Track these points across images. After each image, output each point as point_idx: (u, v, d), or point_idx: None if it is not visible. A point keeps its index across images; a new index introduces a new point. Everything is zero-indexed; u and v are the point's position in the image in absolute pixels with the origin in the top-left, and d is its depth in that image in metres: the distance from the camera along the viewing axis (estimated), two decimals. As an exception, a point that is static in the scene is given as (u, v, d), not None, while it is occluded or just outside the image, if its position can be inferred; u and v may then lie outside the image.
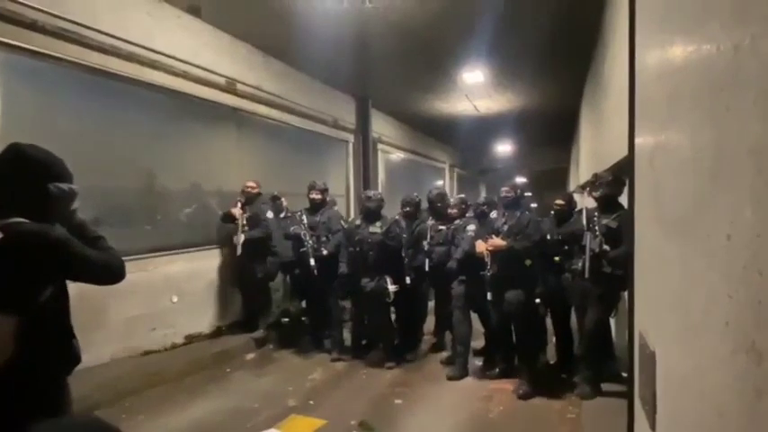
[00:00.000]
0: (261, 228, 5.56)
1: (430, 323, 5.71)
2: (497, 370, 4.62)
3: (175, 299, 5.19)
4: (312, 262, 5.07)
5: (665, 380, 0.84)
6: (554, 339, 4.87)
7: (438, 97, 9.69)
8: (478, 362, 4.86)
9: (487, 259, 4.21)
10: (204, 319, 5.60)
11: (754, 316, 0.48)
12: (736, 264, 0.52)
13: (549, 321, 4.88)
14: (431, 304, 5.74)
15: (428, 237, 5.27)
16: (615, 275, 3.73)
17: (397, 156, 12.15)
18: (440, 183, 15.23)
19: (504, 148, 16.08)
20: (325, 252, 5.12)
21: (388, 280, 4.84)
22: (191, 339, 5.31)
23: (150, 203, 5.31)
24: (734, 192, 0.53)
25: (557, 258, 4.43)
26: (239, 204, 5.61)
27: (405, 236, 5.08)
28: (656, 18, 0.95)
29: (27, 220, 1.55)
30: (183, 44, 5.34)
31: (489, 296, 4.29)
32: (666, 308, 0.84)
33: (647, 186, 1.01)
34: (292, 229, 5.28)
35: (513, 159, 17.13)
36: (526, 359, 4.37)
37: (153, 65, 4.98)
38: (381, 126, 10.65)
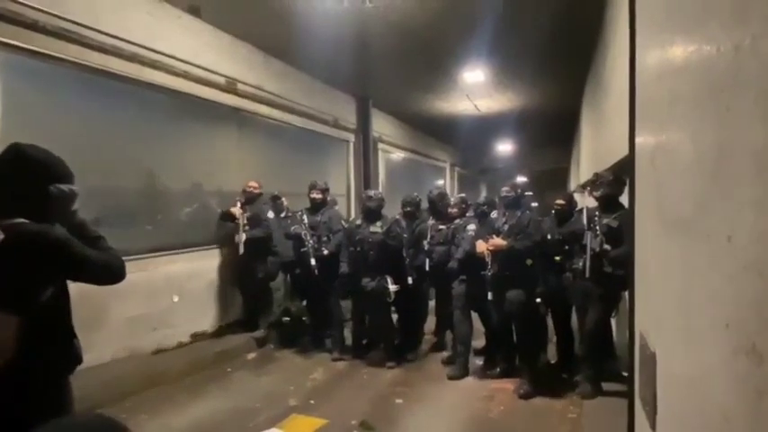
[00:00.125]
0: (262, 227, 5.57)
1: (431, 323, 5.71)
2: (498, 369, 4.62)
3: (176, 299, 5.19)
4: (313, 262, 5.08)
5: (665, 380, 0.84)
6: (555, 339, 4.87)
7: (438, 97, 9.69)
8: (479, 361, 4.86)
9: (488, 259, 4.21)
10: (205, 319, 5.60)
11: (755, 317, 0.48)
12: (736, 264, 0.52)
13: (549, 321, 4.89)
14: (431, 304, 5.74)
15: (428, 236, 5.27)
16: (616, 275, 3.73)
17: (398, 155, 12.15)
18: (440, 182, 15.23)
19: (504, 147, 16.08)
20: (325, 252, 5.13)
21: (389, 280, 4.84)
22: (191, 339, 5.31)
23: (151, 203, 5.31)
24: (734, 192, 0.53)
25: (557, 258, 4.43)
26: (239, 204, 5.62)
27: (405, 235, 5.08)
28: (656, 18, 0.95)
29: (28, 221, 1.56)
30: (183, 44, 5.34)
31: (490, 296, 4.29)
32: (667, 308, 0.84)
33: (648, 186, 1.01)
34: (293, 228, 5.28)
35: (514, 159, 17.14)
36: (527, 359, 4.37)
37: (153, 65, 4.99)
38: (382, 125, 10.65)
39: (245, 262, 5.59)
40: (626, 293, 3.16)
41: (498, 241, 4.20)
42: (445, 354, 5.15)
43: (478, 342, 5.02)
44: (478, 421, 3.77)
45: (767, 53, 0.45)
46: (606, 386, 4.01)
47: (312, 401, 4.11)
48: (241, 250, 5.48)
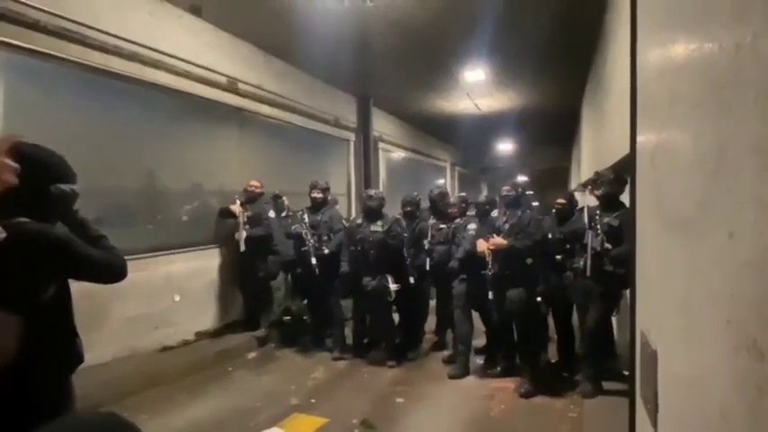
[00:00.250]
0: (263, 226, 5.57)
1: (431, 322, 5.71)
2: (499, 369, 4.62)
3: (177, 298, 5.20)
4: (314, 261, 5.08)
5: (666, 379, 0.84)
6: (555, 338, 4.87)
7: (439, 96, 9.68)
8: (480, 360, 4.87)
9: (489, 258, 4.21)
10: (206, 318, 5.61)
11: (756, 314, 0.48)
12: (737, 262, 0.52)
13: (550, 320, 4.89)
14: (432, 303, 5.74)
15: (429, 236, 5.27)
16: (617, 274, 3.73)
17: (399, 154, 12.15)
18: (441, 181, 15.23)
19: (505, 146, 16.08)
20: (326, 251, 5.13)
21: (390, 279, 4.84)
22: (192, 338, 5.32)
23: (152, 203, 5.32)
24: (735, 190, 0.53)
25: (558, 257, 4.43)
26: (238, 201, 5.63)
27: (406, 235, 5.08)
28: (657, 17, 0.95)
29: (29, 220, 1.56)
30: (184, 44, 5.34)
31: (490, 295, 4.29)
32: (668, 307, 0.84)
33: (649, 185, 1.01)
34: (294, 228, 5.29)
35: (515, 158, 17.14)
36: (528, 358, 4.37)
37: (154, 64, 4.99)
38: (382, 125, 10.65)
39: (245, 261, 5.60)
40: (627, 292, 3.16)
41: (499, 240, 4.20)
42: (446, 353, 5.15)
43: (479, 341, 5.02)
44: (479, 420, 3.77)
45: (767, 52, 0.45)
46: (607, 385, 4.01)
47: (313, 400, 4.12)
48: (242, 248, 5.48)
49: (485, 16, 5.58)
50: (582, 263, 3.97)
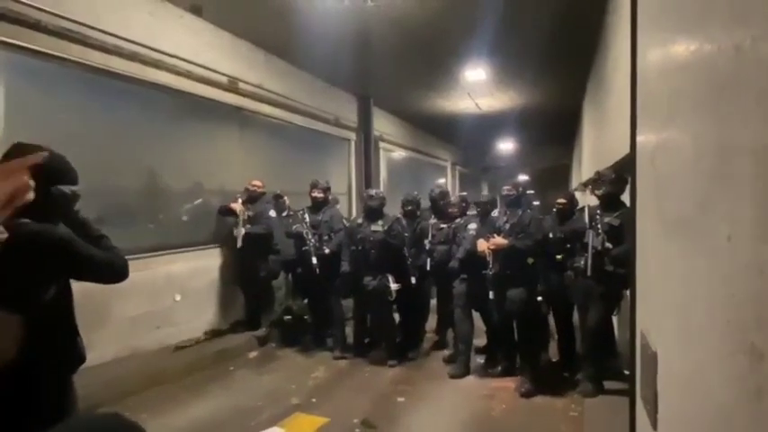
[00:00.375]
0: (263, 224, 5.58)
1: (432, 321, 5.72)
2: (499, 368, 4.62)
3: (178, 297, 5.20)
4: (314, 260, 5.09)
5: (666, 379, 0.84)
6: (556, 337, 4.87)
7: (440, 95, 9.68)
8: (480, 360, 4.87)
9: (489, 258, 4.21)
10: (207, 318, 5.61)
11: (755, 315, 0.48)
12: (737, 263, 0.52)
13: (551, 319, 4.89)
14: (433, 302, 5.74)
15: (429, 235, 5.27)
16: (617, 274, 3.72)
17: (399, 154, 12.14)
18: (442, 181, 15.22)
19: (506, 146, 16.07)
20: (327, 251, 5.14)
21: (390, 278, 4.84)
22: (193, 338, 5.32)
23: (152, 203, 5.32)
24: (735, 191, 0.53)
25: (559, 256, 4.43)
26: (240, 200, 5.64)
27: (407, 234, 5.08)
28: (657, 17, 0.95)
29: (31, 221, 1.56)
30: (184, 43, 5.34)
31: (491, 295, 4.29)
32: (668, 307, 0.84)
33: (649, 185, 1.01)
34: (294, 227, 5.29)
35: (516, 157, 17.13)
36: (528, 357, 4.37)
37: (155, 64, 4.99)
38: (383, 124, 10.65)
39: (246, 261, 5.61)
40: (627, 292, 3.16)
41: (499, 240, 4.19)
42: (446, 352, 5.15)
43: (480, 341, 5.02)
44: (480, 420, 3.77)
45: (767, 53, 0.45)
46: (607, 385, 4.01)
47: (314, 400, 4.12)
48: (239, 243, 5.49)
49: (485, 15, 5.57)
50: (582, 262, 3.97)
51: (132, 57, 4.74)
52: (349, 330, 5.46)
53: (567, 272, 4.30)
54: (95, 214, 3.51)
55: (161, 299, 5.02)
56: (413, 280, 5.01)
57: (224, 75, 5.94)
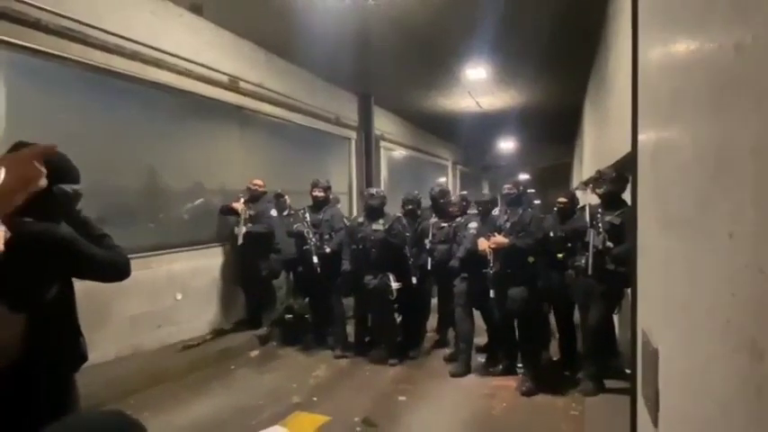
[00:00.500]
0: (264, 223, 5.58)
1: (433, 320, 5.72)
2: (500, 367, 4.62)
3: (179, 296, 5.21)
4: (315, 259, 5.09)
5: (667, 377, 0.84)
6: (557, 336, 4.87)
7: (441, 94, 9.67)
8: (481, 359, 4.87)
9: (490, 257, 4.21)
10: (208, 317, 5.62)
11: (756, 314, 0.48)
12: (737, 262, 0.52)
13: (552, 318, 4.89)
14: (434, 301, 5.75)
15: (430, 235, 5.27)
16: (618, 272, 3.72)
17: (400, 153, 12.14)
18: (442, 180, 15.22)
19: (506, 144, 16.06)
20: (327, 250, 5.14)
21: (391, 277, 4.85)
22: (199, 336, 5.33)
23: (153, 202, 5.33)
24: (736, 190, 0.53)
25: (560, 255, 4.43)
26: (242, 200, 5.65)
27: (408, 234, 5.08)
28: (658, 16, 0.95)
29: (33, 220, 1.57)
30: (185, 42, 5.35)
31: (492, 293, 4.29)
32: (669, 305, 0.84)
33: (650, 183, 1.01)
34: (295, 226, 5.30)
35: (517, 156, 17.12)
36: (529, 356, 4.37)
37: (156, 63, 5.00)
38: (384, 123, 10.65)
39: (247, 259, 5.62)
40: (628, 291, 3.16)
41: (500, 239, 4.19)
42: (447, 351, 5.16)
43: (480, 339, 5.03)
44: (481, 418, 3.78)
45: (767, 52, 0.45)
46: (608, 383, 4.01)
47: (315, 399, 4.13)
48: (240, 241, 5.50)
49: (486, 14, 5.57)
50: (583, 261, 3.97)
51: (133, 56, 4.74)
52: (350, 329, 5.46)
53: (568, 271, 4.30)
54: (96, 213, 3.51)
55: (162, 298, 5.03)
56: (414, 280, 5.01)
57: (225, 74, 5.94)
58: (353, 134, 9.53)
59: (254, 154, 6.73)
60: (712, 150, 0.61)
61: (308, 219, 5.25)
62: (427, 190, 5.75)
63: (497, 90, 9.30)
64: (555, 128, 12.76)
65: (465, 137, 14.85)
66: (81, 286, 1.76)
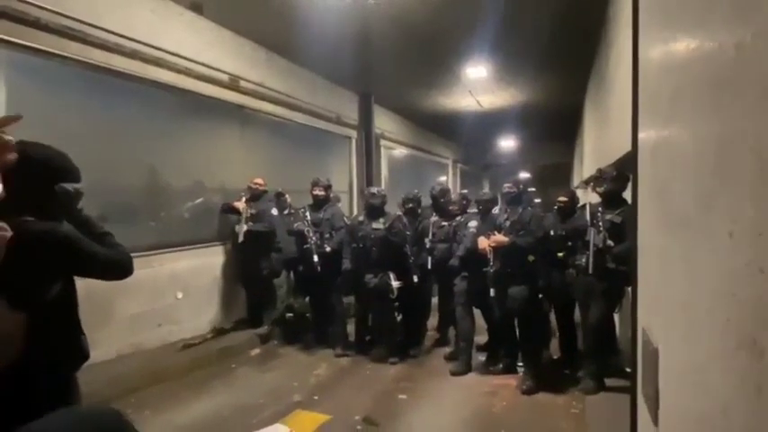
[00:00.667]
0: (265, 222, 5.59)
1: (433, 319, 5.73)
2: (501, 365, 4.62)
3: (180, 295, 5.22)
4: (316, 258, 5.09)
5: (667, 376, 0.84)
6: (557, 335, 4.88)
7: (441, 93, 9.66)
8: (482, 357, 4.87)
9: (490, 255, 4.21)
10: (209, 315, 5.63)
11: (756, 313, 0.48)
12: (737, 261, 0.52)
13: (552, 317, 4.89)
14: (434, 300, 5.75)
15: (430, 234, 5.27)
16: (619, 271, 3.72)
17: (400, 152, 12.13)
18: (443, 178, 15.22)
19: (507, 143, 16.05)
20: (328, 248, 5.14)
21: (392, 276, 4.85)
22: (200, 335, 5.33)
23: (154, 200, 5.33)
24: (736, 189, 0.53)
25: (560, 254, 4.43)
26: (243, 199, 5.66)
27: (408, 233, 5.09)
28: (659, 14, 0.95)
29: (35, 219, 1.57)
30: (186, 41, 5.34)
31: (492, 292, 4.29)
32: (669, 304, 0.85)
33: (650, 182, 1.01)
34: (296, 225, 5.30)
35: (517, 155, 17.11)
36: (529, 355, 4.37)
37: (156, 62, 4.99)
38: (384, 122, 10.64)
39: (247, 258, 5.63)
40: (629, 289, 3.16)
41: (500, 237, 4.20)
42: (448, 350, 5.16)
43: (481, 338, 5.03)
44: (481, 417, 3.78)
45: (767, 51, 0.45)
46: (609, 382, 4.02)
47: (316, 397, 4.13)
48: (240, 239, 5.51)
49: (486, 13, 5.56)
50: (584, 260, 3.97)
51: (133, 55, 4.74)
52: (350, 328, 5.47)
53: (569, 269, 4.31)
54: (97, 212, 3.51)
55: (163, 297, 5.03)
56: (414, 278, 5.01)
57: (225, 73, 5.94)
58: (354, 133, 9.52)
59: (255, 153, 6.73)
60: (712, 149, 0.61)
61: (309, 217, 5.25)
62: (428, 188, 5.75)
63: (498, 89, 9.29)
64: (555, 126, 12.75)
65: (465, 135, 14.83)
66: (82, 285, 1.77)
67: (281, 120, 7.21)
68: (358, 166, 9.66)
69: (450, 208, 5.36)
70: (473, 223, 4.74)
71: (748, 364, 0.48)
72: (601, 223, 3.90)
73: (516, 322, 4.40)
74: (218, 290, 5.80)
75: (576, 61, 7.38)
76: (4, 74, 3.81)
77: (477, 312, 4.81)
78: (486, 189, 10.00)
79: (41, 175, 1.63)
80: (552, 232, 4.45)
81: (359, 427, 3.58)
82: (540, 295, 4.40)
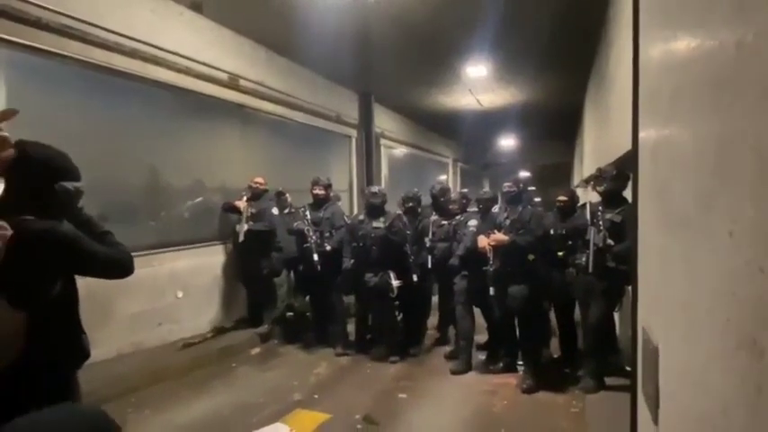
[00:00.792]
0: (265, 221, 5.59)
1: (433, 318, 5.73)
2: (501, 364, 4.63)
3: (180, 294, 5.22)
4: (316, 257, 5.09)
5: (667, 375, 0.84)
6: (557, 334, 4.88)
7: (441, 92, 9.66)
8: (482, 356, 4.88)
9: (490, 254, 4.21)
10: (209, 315, 5.63)
11: (756, 313, 0.48)
12: (737, 260, 0.52)
13: (552, 316, 4.89)
14: (434, 299, 5.75)
15: (430, 233, 5.27)
16: (619, 270, 3.72)
17: (401, 151, 12.13)
18: (443, 177, 15.21)
19: (507, 142, 16.05)
20: (328, 248, 5.14)
21: (392, 275, 4.85)
22: (200, 334, 5.34)
23: (154, 200, 5.33)
24: (736, 188, 0.53)
25: (560, 253, 4.43)
26: (244, 198, 5.66)
27: (408, 232, 5.09)
28: (659, 13, 0.95)
29: (35, 218, 1.57)
30: (185, 41, 5.34)
31: (492, 291, 4.29)
32: (669, 303, 0.85)
33: (651, 181, 1.01)
34: (296, 224, 5.30)
35: (517, 154, 17.10)
36: (530, 353, 4.37)
37: (156, 61, 4.99)
38: (384, 121, 10.63)
39: (248, 258, 5.63)
40: (629, 288, 3.16)
41: (500, 236, 4.19)
42: (448, 349, 5.17)
43: (481, 337, 5.03)
44: (481, 416, 3.78)
45: (768, 51, 0.45)
46: (609, 381, 4.01)
47: (316, 396, 4.14)
48: (241, 238, 5.51)
49: (487, 12, 5.56)
50: (584, 259, 3.97)
51: (133, 54, 4.74)
52: (351, 327, 5.47)
53: (569, 268, 4.31)
54: (98, 211, 3.51)
55: (163, 296, 5.04)
56: (414, 277, 5.01)
57: (225, 72, 5.94)
58: (354, 132, 9.52)
59: (255, 152, 6.73)
60: (713, 148, 0.61)
61: (309, 217, 5.25)
62: (428, 188, 5.75)
63: (498, 88, 9.29)
64: (555, 126, 12.74)
65: (465, 134, 14.83)
66: (83, 284, 1.77)
67: (281, 119, 7.20)
68: (358, 165, 9.66)
69: (450, 207, 5.35)
70: (473, 222, 4.74)
71: (748, 364, 0.49)
72: (601, 222, 3.89)
73: (516, 321, 4.39)
74: (218, 289, 5.80)
75: (576, 61, 7.37)
76: (5, 73, 3.81)
77: (477, 311, 4.81)
78: (487, 188, 10.00)
79: (41, 175, 1.63)
80: (552, 231, 4.45)
81: (359, 426, 3.59)
82: (540, 294, 4.39)
